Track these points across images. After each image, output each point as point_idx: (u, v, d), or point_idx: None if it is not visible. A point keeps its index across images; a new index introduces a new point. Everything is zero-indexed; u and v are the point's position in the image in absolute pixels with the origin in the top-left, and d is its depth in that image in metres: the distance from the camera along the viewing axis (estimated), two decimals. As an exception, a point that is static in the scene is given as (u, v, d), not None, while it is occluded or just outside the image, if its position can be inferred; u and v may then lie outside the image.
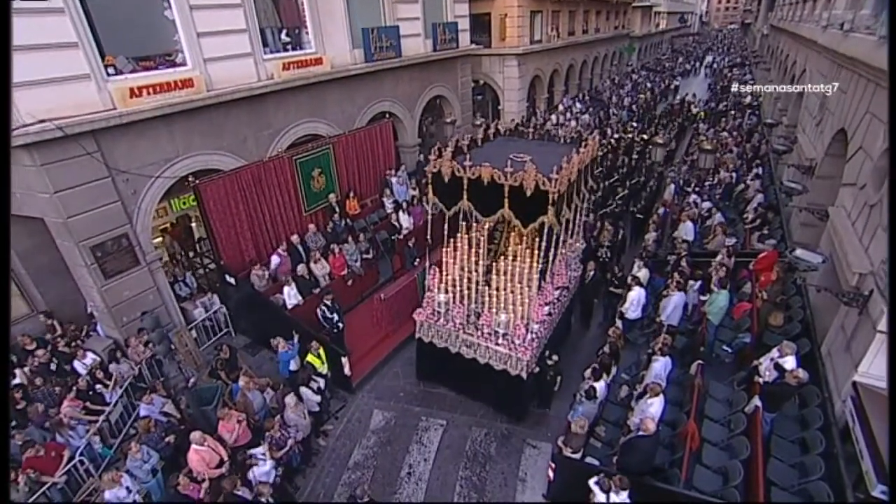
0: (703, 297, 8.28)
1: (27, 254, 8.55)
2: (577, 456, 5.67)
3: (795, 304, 7.59)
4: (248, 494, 5.42)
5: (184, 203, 11.43)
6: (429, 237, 7.27)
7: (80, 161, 7.21)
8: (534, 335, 6.67)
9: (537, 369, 6.87)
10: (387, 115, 13.16)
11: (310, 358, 7.17)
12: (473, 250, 7.17)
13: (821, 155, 9.14)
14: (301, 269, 8.90)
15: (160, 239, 12.15)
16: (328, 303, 7.97)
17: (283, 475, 6.28)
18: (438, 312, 7.16)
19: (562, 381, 7.13)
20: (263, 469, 5.53)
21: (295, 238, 9.56)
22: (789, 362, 5.69)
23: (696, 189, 12.60)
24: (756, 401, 5.67)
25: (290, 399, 6.29)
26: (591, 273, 8.81)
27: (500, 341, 6.67)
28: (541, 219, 6.04)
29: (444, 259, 7.13)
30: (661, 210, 11.49)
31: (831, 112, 8.82)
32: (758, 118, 19.51)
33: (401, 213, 11.16)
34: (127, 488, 5.52)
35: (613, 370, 6.82)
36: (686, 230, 9.99)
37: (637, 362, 7.64)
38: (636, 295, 8.04)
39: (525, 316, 6.57)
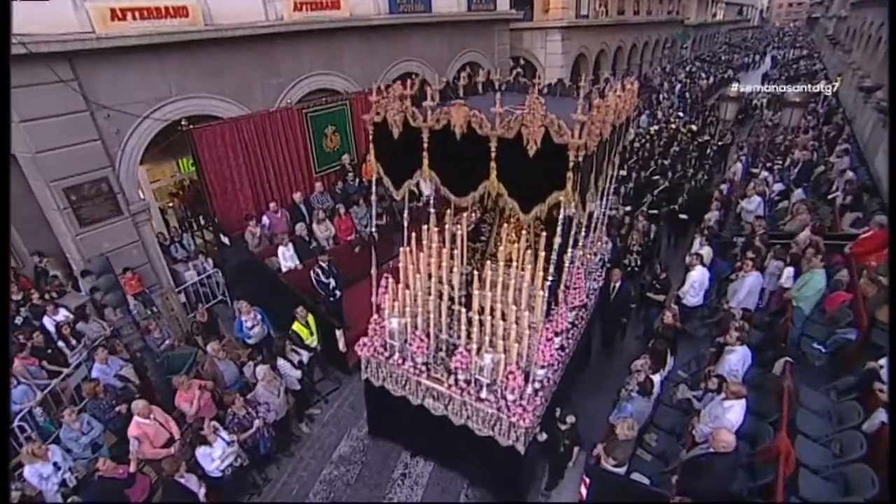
0: (785, 285, 6.62)
1: (12, 202, 7.83)
2: (622, 471, 4.25)
3: (917, 296, 5.81)
4: (194, 484, 4.30)
5: (193, 164, 10.66)
6: (373, 230, 5.51)
7: (53, 89, 6.35)
8: (539, 384, 4.31)
9: (543, 436, 4.58)
10: (414, 76, 11.94)
11: (295, 327, 6.03)
12: (447, 252, 4.87)
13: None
14: (300, 228, 7.80)
15: (171, 204, 11.56)
16: (324, 265, 6.81)
17: (252, 463, 5.17)
18: (391, 346, 4.87)
19: (580, 453, 4.70)
20: (208, 451, 4.39)
21: (298, 196, 8.46)
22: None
23: (768, 166, 10.74)
24: (882, 415, 4.06)
25: (262, 370, 5.16)
26: (618, 284, 6.36)
27: (483, 394, 4.34)
28: (553, 197, 3.57)
29: (402, 264, 4.82)
30: (724, 186, 9.75)
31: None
32: (836, 100, 17.17)
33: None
34: (55, 465, 4.52)
35: (670, 361, 5.30)
36: (754, 204, 8.26)
37: (697, 357, 6.11)
38: (698, 275, 6.48)
39: (524, 356, 4.29)
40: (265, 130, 8.62)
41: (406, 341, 4.79)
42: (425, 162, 4.10)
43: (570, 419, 4.54)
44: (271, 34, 8.55)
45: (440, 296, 4.75)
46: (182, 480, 4.20)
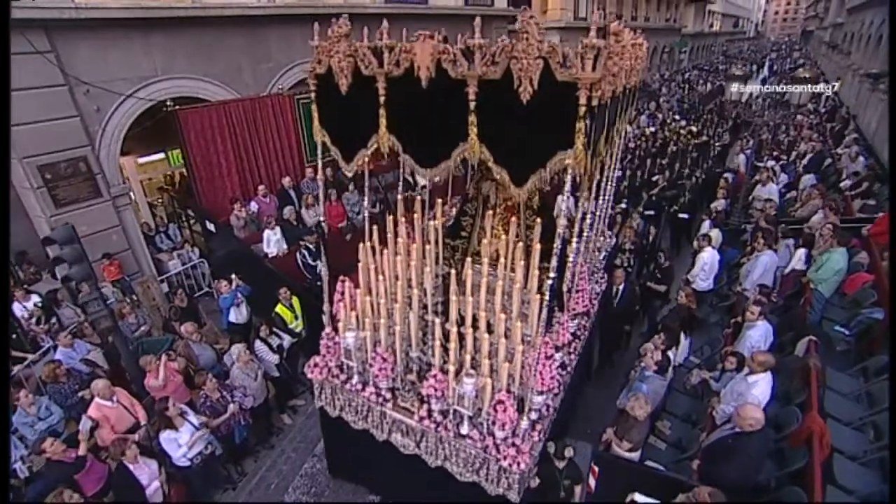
0: (797, 268, 6.27)
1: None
2: (635, 456, 3.81)
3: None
4: (144, 475, 3.79)
5: (182, 156, 10.34)
6: (322, 220, 4.65)
7: (28, 59, 6.01)
8: (537, 414, 3.44)
9: (536, 482, 3.58)
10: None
11: (279, 309, 5.63)
12: (418, 248, 3.85)
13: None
14: (288, 212, 7.43)
15: (161, 198, 11.21)
16: (310, 246, 6.43)
17: (227, 454, 4.72)
18: (348, 367, 3.93)
19: (583, 493, 3.80)
20: (174, 436, 3.95)
21: (287, 181, 8.11)
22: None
23: (774, 155, 10.47)
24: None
25: (238, 349, 4.74)
26: (621, 288, 5.56)
27: (465, 429, 3.39)
28: (557, 160, 2.64)
29: (361, 263, 3.84)
30: (728, 175, 9.44)
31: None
32: (838, 99, 17.02)
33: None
34: (4, 452, 4.07)
35: (684, 344, 4.90)
36: (770, 192, 7.93)
37: (711, 342, 5.70)
38: (708, 256, 6.11)
39: (517, 379, 3.29)
40: (255, 116, 8.35)
41: (366, 361, 3.81)
42: (382, 122, 3.15)
43: (569, 452, 3.59)
44: (263, 16, 8.29)
45: (409, 303, 3.69)
46: (132, 467, 3.71)
